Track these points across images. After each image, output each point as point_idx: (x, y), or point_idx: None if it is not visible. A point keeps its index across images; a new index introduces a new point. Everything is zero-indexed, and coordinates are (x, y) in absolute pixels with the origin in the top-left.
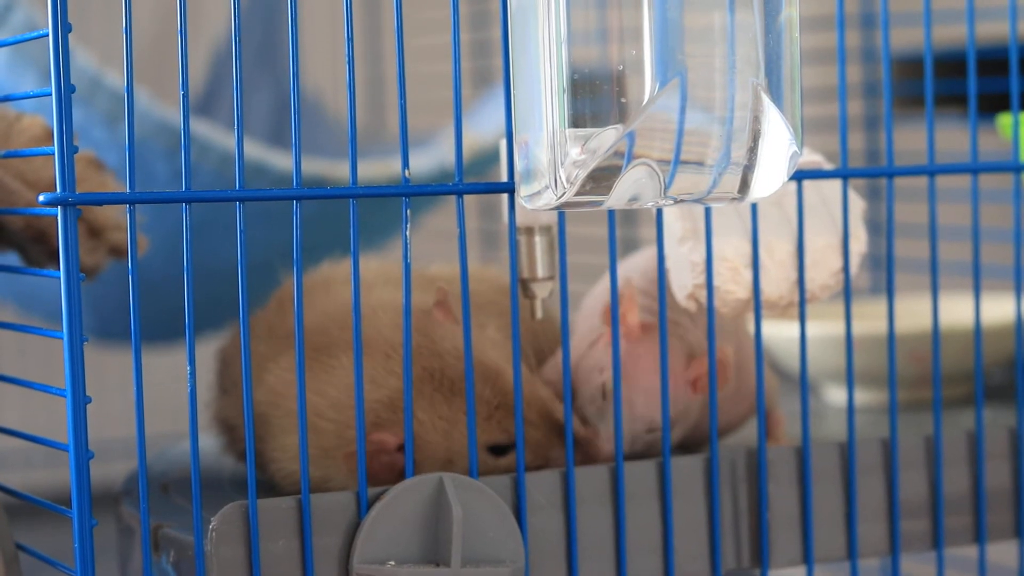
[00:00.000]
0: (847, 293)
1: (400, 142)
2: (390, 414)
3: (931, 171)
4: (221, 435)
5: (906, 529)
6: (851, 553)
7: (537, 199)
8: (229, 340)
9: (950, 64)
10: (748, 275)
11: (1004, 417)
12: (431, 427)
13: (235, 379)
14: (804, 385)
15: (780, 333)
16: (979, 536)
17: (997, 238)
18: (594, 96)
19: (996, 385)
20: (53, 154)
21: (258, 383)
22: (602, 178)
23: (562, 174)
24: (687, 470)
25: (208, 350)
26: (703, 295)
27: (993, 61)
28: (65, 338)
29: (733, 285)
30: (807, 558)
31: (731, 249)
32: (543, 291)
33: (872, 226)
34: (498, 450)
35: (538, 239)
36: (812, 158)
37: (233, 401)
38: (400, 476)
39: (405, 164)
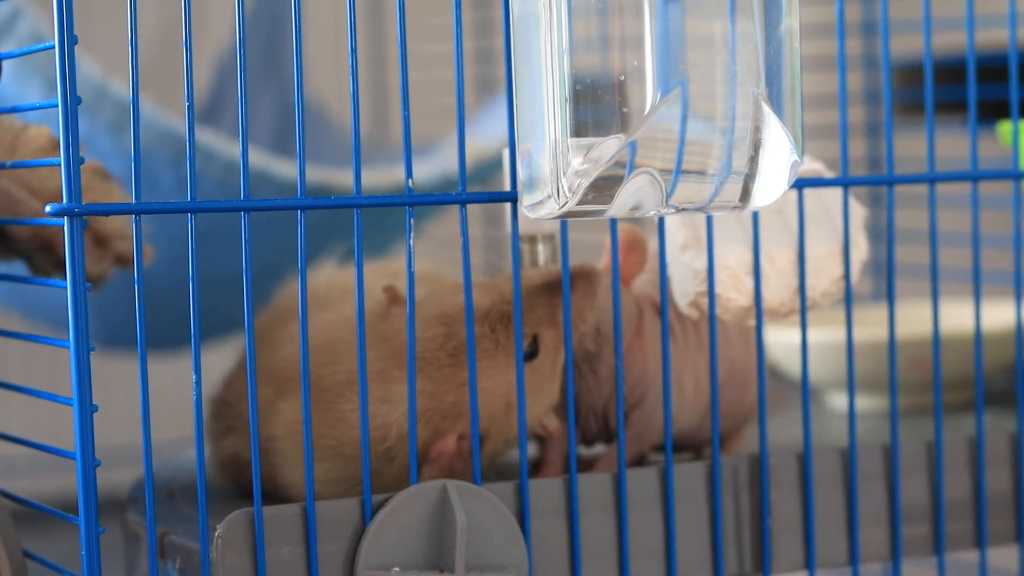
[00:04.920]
0: (848, 300)
1: (404, 151)
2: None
3: (931, 179)
4: (234, 480)
5: (907, 534)
6: (853, 558)
7: (540, 208)
8: (223, 386)
9: (950, 71)
10: (750, 283)
11: (1005, 423)
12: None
13: (237, 419)
14: (805, 391)
15: (782, 340)
16: (980, 541)
17: (997, 244)
18: (596, 105)
19: (997, 391)
20: (59, 164)
21: (268, 423)
22: (604, 187)
23: (564, 183)
24: (689, 476)
25: (212, 358)
26: (705, 303)
27: (993, 68)
28: (72, 347)
29: (735, 293)
30: (809, 563)
31: (733, 257)
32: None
33: (873, 233)
34: None
35: (541, 247)
36: (813, 166)
37: (241, 438)
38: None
39: (409, 174)
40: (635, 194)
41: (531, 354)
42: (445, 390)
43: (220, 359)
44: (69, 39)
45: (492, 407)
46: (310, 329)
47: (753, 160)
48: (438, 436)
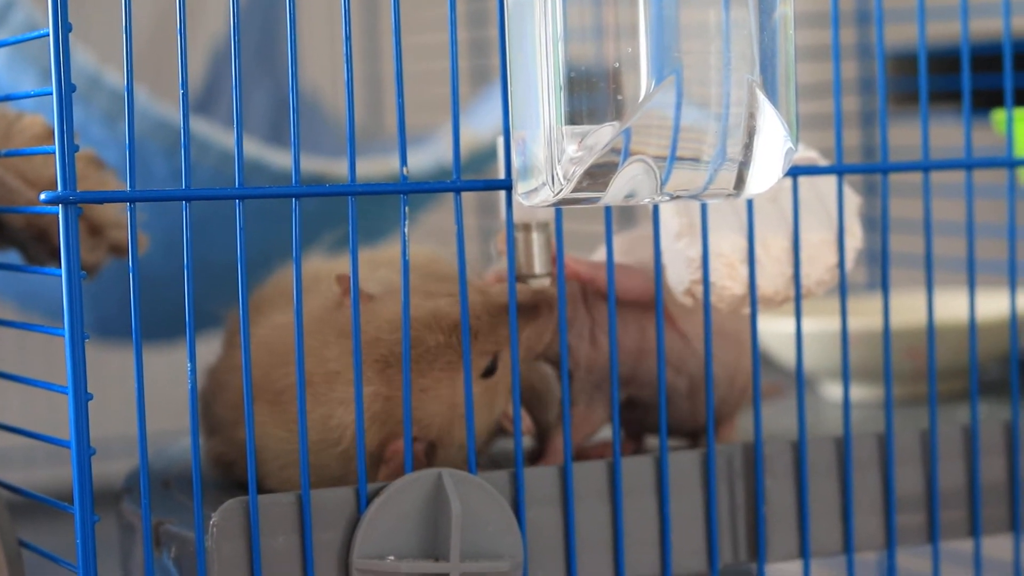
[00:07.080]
0: (843, 288)
1: (398, 140)
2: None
3: (925, 167)
4: (224, 477)
5: (902, 523)
6: (847, 547)
7: (534, 196)
8: (206, 382)
9: (944, 60)
10: (744, 271)
11: (999, 412)
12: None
13: (218, 419)
14: (800, 380)
15: (776, 329)
16: (974, 530)
17: (991, 233)
18: (591, 93)
19: (991, 380)
20: (54, 153)
21: (240, 425)
22: (599, 175)
23: (559, 171)
24: (684, 465)
25: (207, 348)
26: (699, 290)
27: (987, 57)
28: (67, 336)
29: (729, 281)
30: (804, 552)
31: (727, 245)
32: (540, 287)
33: (868, 221)
34: None
35: (535, 235)
36: (807, 154)
37: (225, 437)
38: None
39: (403, 162)
40: (630, 181)
41: (489, 371)
42: (402, 394)
43: (214, 350)
44: (63, 27)
45: (446, 416)
46: (265, 329)
47: (747, 147)
48: (393, 437)
